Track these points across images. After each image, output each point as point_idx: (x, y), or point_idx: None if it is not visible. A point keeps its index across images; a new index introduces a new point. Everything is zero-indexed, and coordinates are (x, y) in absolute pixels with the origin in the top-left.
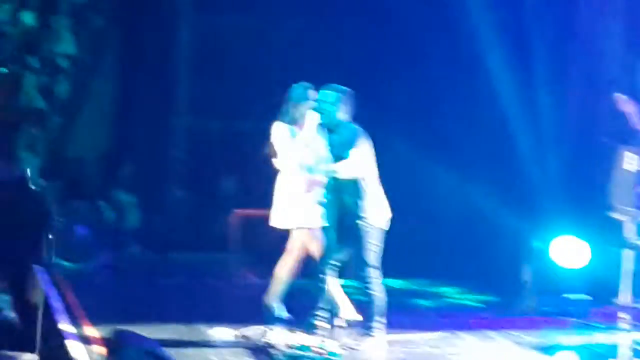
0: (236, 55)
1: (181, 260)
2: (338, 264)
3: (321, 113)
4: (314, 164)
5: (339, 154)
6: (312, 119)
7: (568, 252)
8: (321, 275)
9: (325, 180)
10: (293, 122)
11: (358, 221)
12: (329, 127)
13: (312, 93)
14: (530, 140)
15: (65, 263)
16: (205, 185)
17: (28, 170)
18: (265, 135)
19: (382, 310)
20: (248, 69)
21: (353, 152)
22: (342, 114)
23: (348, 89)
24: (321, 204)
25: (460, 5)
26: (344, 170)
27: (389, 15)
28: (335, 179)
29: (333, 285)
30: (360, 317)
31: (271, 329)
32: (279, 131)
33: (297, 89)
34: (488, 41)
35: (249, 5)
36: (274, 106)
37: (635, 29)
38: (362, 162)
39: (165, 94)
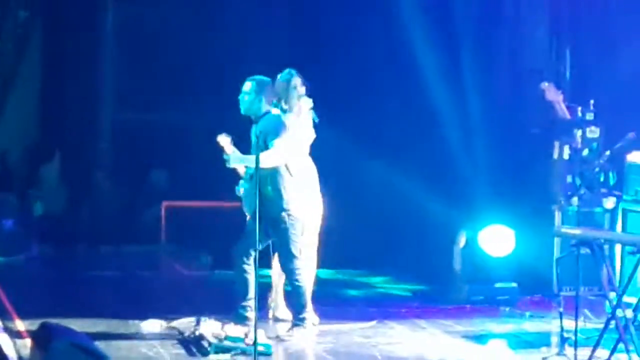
0: (163, 47)
1: (111, 253)
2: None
3: (242, 103)
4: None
5: (261, 144)
6: (304, 105)
7: (496, 241)
8: (245, 266)
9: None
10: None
11: (283, 213)
12: (251, 118)
13: (296, 79)
14: (458, 130)
15: None
16: (135, 177)
17: None
18: (193, 126)
19: (307, 300)
20: (175, 60)
21: (277, 142)
22: (265, 104)
23: (270, 79)
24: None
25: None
26: (267, 160)
27: (316, 4)
28: (256, 169)
29: (275, 278)
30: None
31: (204, 320)
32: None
33: (285, 75)
34: (414, 31)
35: None
36: (201, 98)
37: (561, 18)
38: (285, 153)
39: (92, 86)
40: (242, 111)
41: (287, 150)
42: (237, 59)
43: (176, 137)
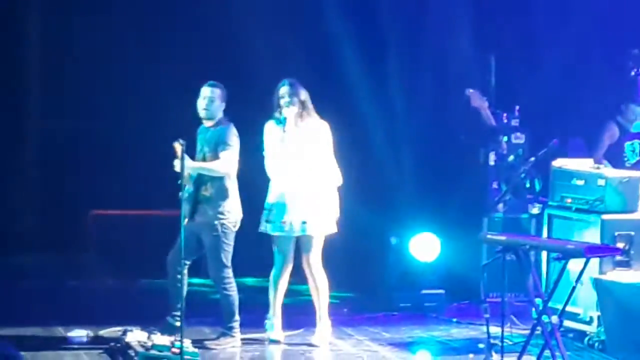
0: (87, 56)
1: (36, 262)
2: (189, 262)
3: (208, 109)
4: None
5: (213, 151)
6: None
7: (423, 248)
8: (178, 275)
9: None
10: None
11: (216, 221)
12: (202, 122)
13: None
14: (385, 137)
15: None
16: (60, 186)
17: None
18: (119, 134)
19: (236, 309)
20: (101, 68)
21: (228, 151)
22: (219, 110)
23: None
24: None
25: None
26: (218, 168)
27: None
28: (198, 175)
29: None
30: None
31: (130, 330)
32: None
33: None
34: (338, 37)
35: (100, 6)
36: (127, 105)
37: (485, 25)
38: (234, 161)
39: (17, 93)
40: (206, 116)
41: (234, 159)
42: (161, 65)
43: (102, 145)
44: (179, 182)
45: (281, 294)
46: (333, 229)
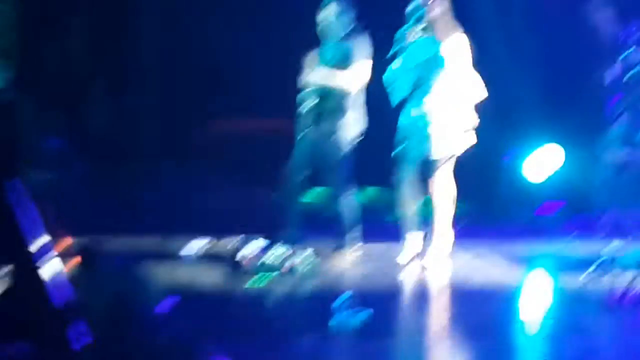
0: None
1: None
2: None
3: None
4: None
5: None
6: None
7: (546, 159)
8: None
9: None
10: None
11: (336, 133)
12: None
13: None
14: (503, 51)
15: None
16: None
17: None
18: None
19: (357, 220)
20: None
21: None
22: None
23: None
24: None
25: None
26: (342, 84)
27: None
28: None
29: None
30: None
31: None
32: None
33: None
34: None
35: None
36: None
37: None
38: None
39: None
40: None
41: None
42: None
43: None
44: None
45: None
46: None
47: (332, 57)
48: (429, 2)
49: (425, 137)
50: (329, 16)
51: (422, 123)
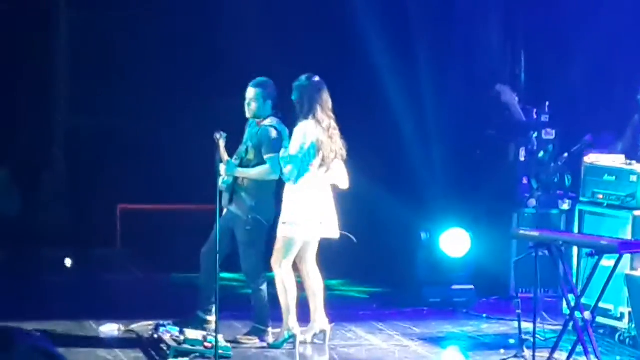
0: (117, 51)
1: (64, 256)
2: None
3: (248, 110)
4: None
5: (255, 148)
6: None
7: (453, 243)
8: (212, 269)
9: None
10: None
11: (249, 215)
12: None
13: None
14: (415, 133)
15: None
16: (89, 181)
17: None
18: (147, 129)
19: (267, 304)
20: (129, 64)
21: (272, 156)
22: (263, 109)
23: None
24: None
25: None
26: (262, 176)
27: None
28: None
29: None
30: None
31: (162, 324)
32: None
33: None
34: (368, 35)
35: (129, 1)
36: (153, 102)
37: (515, 20)
38: (278, 169)
39: (45, 89)
40: (251, 116)
41: (278, 167)
42: (193, 63)
43: (131, 140)
44: (217, 171)
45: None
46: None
47: (247, 139)
48: None
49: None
50: (249, 97)
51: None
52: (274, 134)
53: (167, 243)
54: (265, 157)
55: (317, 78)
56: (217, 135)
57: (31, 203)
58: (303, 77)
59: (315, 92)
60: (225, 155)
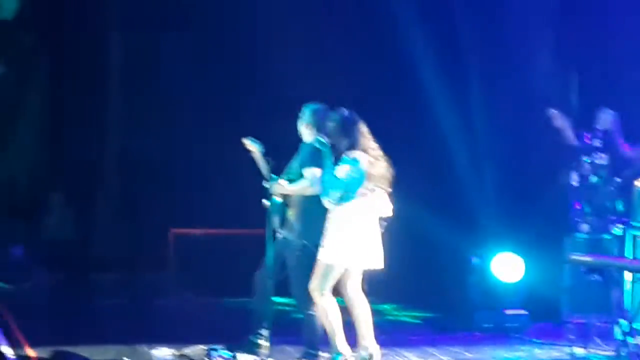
0: (170, 73)
1: (118, 280)
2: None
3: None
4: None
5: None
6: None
7: (505, 267)
8: (265, 294)
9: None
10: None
11: (299, 240)
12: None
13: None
14: (468, 158)
15: (2, 284)
16: (142, 204)
17: None
18: (200, 153)
19: (319, 329)
20: (182, 87)
21: (309, 170)
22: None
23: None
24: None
25: (390, 20)
26: (300, 191)
27: (320, 34)
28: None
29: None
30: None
31: (214, 349)
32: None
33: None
34: (421, 57)
35: (180, 23)
36: (205, 125)
37: (568, 44)
38: (314, 183)
39: (98, 113)
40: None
41: (317, 180)
42: (242, 87)
43: (184, 164)
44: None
45: None
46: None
47: (300, 162)
48: None
49: None
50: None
51: None
52: (314, 149)
53: (219, 267)
54: (303, 171)
55: (346, 111)
56: (247, 142)
57: (84, 227)
58: (335, 115)
59: (352, 125)
60: (264, 167)
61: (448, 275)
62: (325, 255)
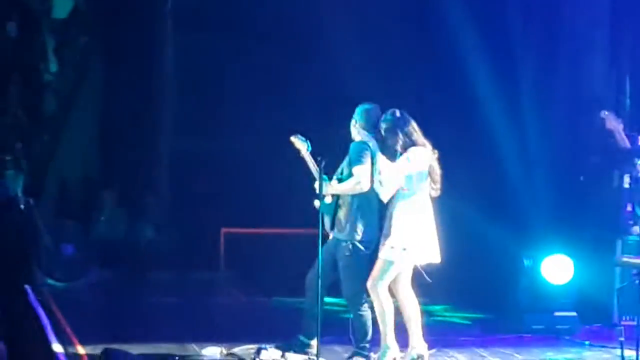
0: (222, 73)
1: (169, 279)
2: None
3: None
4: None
5: (347, 166)
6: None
7: (556, 270)
8: (316, 295)
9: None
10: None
11: (348, 241)
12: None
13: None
14: (519, 159)
15: (53, 282)
16: (193, 204)
17: (19, 191)
18: (251, 153)
19: (369, 329)
20: (233, 87)
21: (357, 167)
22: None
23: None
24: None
25: (444, 23)
26: (347, 190)
27: (369, 38)
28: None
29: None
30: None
31: (264, 348)
32: None
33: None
34: (473, 63)
35: (232, 23)
36: (257, 125)
37: (621, 46)
38: (364, 180)
39: (150, 113)
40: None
41: (365, 178)
42: (297, 87)
43: (235, 164)
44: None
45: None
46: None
47: (348, 161)
48: None
49: None
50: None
51: None
52: (362, 147)
53: (270, 267)
54: (352, 169)
55: (398, 111)
56: (295, 140)
57: (136, 226)
58: (387, 116)
59: (406, 123)
60: (313, 166)
61: (498, 276)
62: (391, 253)
